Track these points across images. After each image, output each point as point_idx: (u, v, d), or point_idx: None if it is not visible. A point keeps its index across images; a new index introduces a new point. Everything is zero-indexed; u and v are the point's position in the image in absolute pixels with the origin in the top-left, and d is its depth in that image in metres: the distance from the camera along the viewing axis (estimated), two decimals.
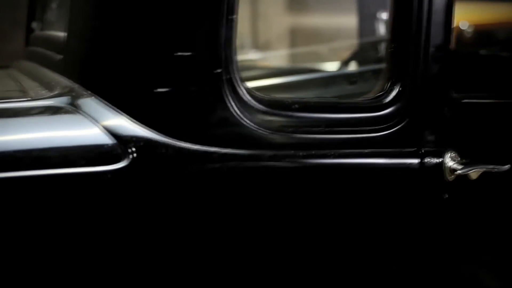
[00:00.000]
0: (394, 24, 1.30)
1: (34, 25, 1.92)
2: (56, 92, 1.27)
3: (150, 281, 1.17)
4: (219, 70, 1.16)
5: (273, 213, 1.21)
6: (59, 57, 1.41)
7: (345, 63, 2.35)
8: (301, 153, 1.22)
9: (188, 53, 1.16)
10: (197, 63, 1.16)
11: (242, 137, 1.19)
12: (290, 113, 1.22)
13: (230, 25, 1.17)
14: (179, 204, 1.17)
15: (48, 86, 1.36)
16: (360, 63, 2.27)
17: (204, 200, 1.18)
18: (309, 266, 1.26)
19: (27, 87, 1.41)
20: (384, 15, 2.38)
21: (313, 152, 1.22)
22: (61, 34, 1.54)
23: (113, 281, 1.16)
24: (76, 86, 1.28)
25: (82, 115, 1.19)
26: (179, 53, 1.15)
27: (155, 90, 1.16)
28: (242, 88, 1.19)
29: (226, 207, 1.19)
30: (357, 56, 2.32)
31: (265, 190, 1.21)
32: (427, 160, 1.30)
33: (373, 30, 2.38)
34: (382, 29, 2.36)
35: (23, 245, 1.12)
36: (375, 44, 2.38)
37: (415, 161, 1.30)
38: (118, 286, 1.16)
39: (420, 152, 1.30)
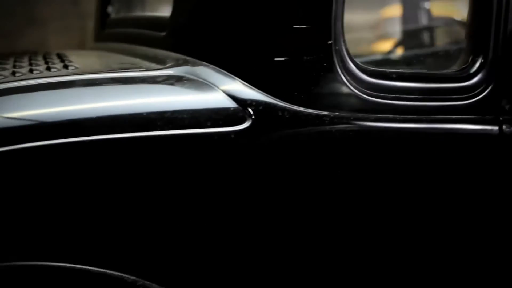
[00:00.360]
0: (475, 3, 1.44)
1: (110, 9, 2.04)
2: (171, 64, 1.40)
3: (271, 240, 1.31)
4: (330, 42, 1.30)
5: (377, 170, 1.34)
6: (161, 34, 1.53)
7: (393, 49, 2.50)
8: (398, 117, 1.35)
9: (305, 26, 1.29)
10: (312, 35, 1.29)
11: (349, 102, 1.32)
12: (388, 82, 1.35)
13: (340, 2, 1.30)
14: (296, 163, 1.29)
15: (155, 59, 1.48)
16: (407, 48, 2.42)
17: (318, 160, 1.31)
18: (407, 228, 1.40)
19: (133, 61, 1.52)
20: (427, 5, 2.54)
21: (408, 116, 1.37)
22: (158, 14, 1.66)
23: (237, 236, 1.29)
24: (187, 58, 1.40)
25: (204, 82, 1.32)
26: (297, 26, 1.28)
27: (275, 59, 1.29)
28: (349, 58, 1.33)
29: (338, 166, 1.32)
30: (403, 42, 2.47)
31: (369, 150, 1.34)
32: (505, 126, 1.44)
33: (416, 19, 2.53)
34: (424, 18, 2.52)
35: (156, 197, 1.25)
36: (419, 31, 2.54)
37: (495, 127, 1.43)
38: (239, 242, 1.29)
39: (499, 119, 1.44)
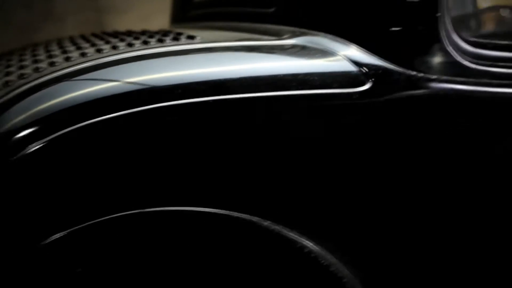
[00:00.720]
0: None
1: None
2: (289, 35, 1.56)
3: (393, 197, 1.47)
4: (438, 15, 1.47)
5: (476, 129, 1.51)
6: (269, 10, 1.69)
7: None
8: (494, 82, 1.52)
9: (418, 0, 1.46)
10: (423, 8, 1.46)
11: (452, 68, 1.49)
12: (486, 51, 1.52)
13: None
14: (411, 121, 1.46)
15: (268, 33, 1.63)
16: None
17: (429, 118, 1.48)
18: None
19: (246, 34, 1.67)
20: None
21: (503, 82, 1.53)
22: None
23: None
24: (302, 30, 1.56)
25: (325, 49, 1.49)
26: (411, 0, 1.45)
27: (391, 29, 1.46)
28: (452, 30, 1.50)
29: (445, 123, 1.48)
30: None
31: (470, 110, 1.51)
32: None
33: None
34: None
35: (288, 146, 1.42)
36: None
37: None
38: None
39: None
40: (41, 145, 1.31)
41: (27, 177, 1.32)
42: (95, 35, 1.85)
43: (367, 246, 1.49)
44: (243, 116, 1.38)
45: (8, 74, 1.54)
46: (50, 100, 1.34)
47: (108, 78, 1.40)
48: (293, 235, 1.44)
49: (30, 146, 1.31)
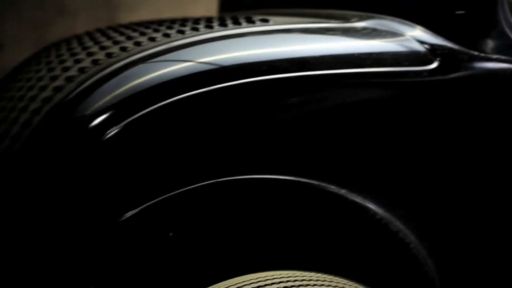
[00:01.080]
0: None
1: None
2: (356, 19, 1.68)
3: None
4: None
5: None
6: None
7: None
8: None
9: None
10: None
11: (510, 49, 1.62)
12: None
13: None
14: (475, 97, 1.58)
15: (333, 17, 1.75)
16: None
17: (491, 97, 1.60)
18: None
19: (312, 18, 1.78)
20: None
21: None
22: None
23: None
24: (368, 13, 1.68)
25: (394, 31, 1.61)
26: None
27: (456, 12, 1.58)
28: (509, 13, 1.62)
29: (506, 103, 1.61)
30: None
31: None
32: None
33: None
34: None
35: (367, 118, 1.52)
36: None
37: None
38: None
39: None
40: (139, 118, 1.41)
41: (123, 150, 1.41)
42: (162, 20, 1.95)
43: (434, 214, 1.61)
44: (325, 91, 1.49)
45: (91, 54, 1.64)
46: (148, 75, 1.44)
47: (195, 57, 1.50)
48: (366, 203, 1.55)
49: (128, 119, 1.40)
